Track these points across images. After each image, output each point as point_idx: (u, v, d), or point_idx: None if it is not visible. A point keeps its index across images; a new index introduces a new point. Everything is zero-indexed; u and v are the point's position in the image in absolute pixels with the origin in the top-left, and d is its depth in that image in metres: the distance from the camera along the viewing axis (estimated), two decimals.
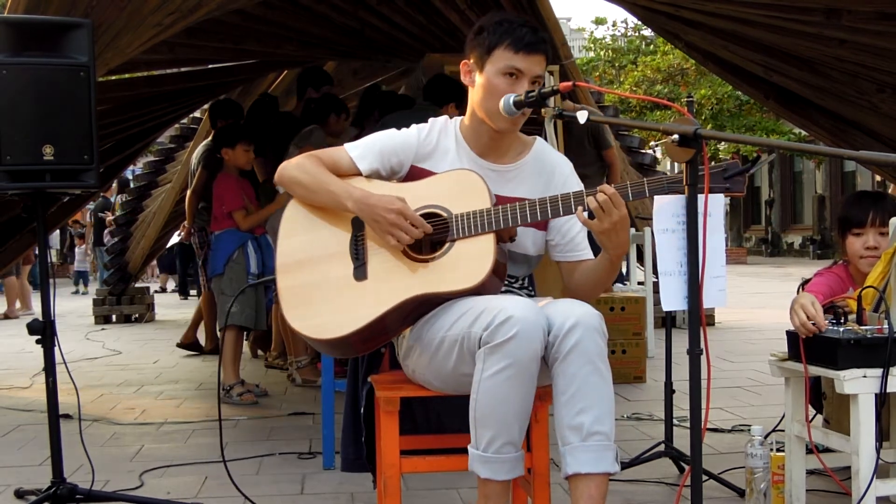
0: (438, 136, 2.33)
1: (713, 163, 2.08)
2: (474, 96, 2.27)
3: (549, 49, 2.24)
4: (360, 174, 2.29)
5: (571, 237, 2.32)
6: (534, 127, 5.47)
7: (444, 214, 2.19)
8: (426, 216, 2.19)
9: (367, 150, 2.31)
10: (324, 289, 2.20)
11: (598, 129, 5.86)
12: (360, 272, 2.19)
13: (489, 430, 2.01)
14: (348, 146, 2.33)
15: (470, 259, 2.13)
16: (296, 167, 2.29)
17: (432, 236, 2.17)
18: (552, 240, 2.34)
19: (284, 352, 5.80)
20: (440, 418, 2.47)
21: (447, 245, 2.17)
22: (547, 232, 2.34)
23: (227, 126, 5.47)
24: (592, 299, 2.30)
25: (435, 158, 2.31)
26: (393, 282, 2.15)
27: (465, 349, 2.06)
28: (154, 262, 12.89)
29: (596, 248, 2.26)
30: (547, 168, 2.35)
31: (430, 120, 2.37)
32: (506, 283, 2.29)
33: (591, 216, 2.08)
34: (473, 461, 2.05)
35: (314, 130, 5.29)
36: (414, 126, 2.35)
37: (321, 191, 2.25)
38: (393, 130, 2.36)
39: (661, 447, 3.34)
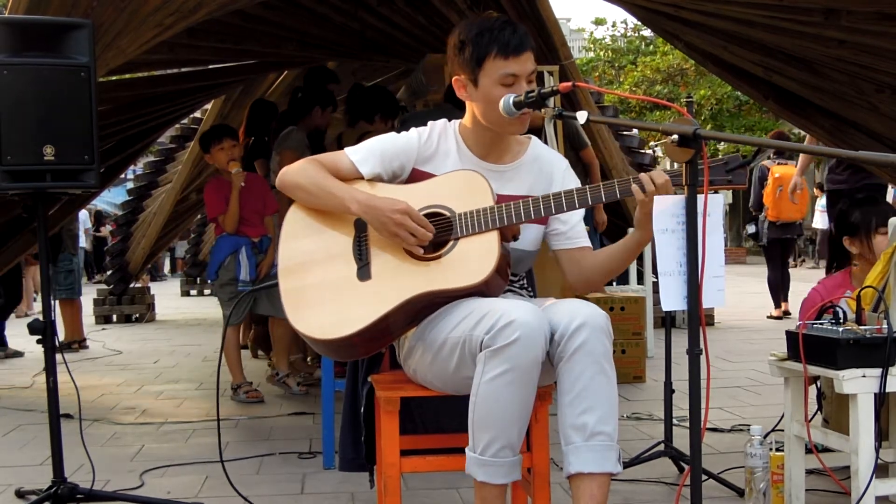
0: (438, 139, 2.34)
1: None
2: (476, 109, 2.28)
3: (532, 41, 2.23)
4: (361, 178, 2.29)
5: (573, 224, 2.34)
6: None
7: (448, 214, 2.19)
8: (429, 216, 2.19)
9: (368, 153, 2.30)
10: (327, 290, 2.20)
11: (572, 131, 5.78)
12: (364, 273, 2.19)
13: (487, 433, 2.02)
14: (349, 150, 2.32)
15: (474, 256, 2.13)
16: (297, 172, 2.28)
17: (437, 235, 2.17)
18: (555, 230, 2.34)
19: None
20: (440, 418, 2.47)
21: (451, 243, 2.17)
22: (547, 224, 2.35)
23: (204, 133, 5.41)
24: (601, 286, 2.32)
25: (436, 161, 2.32)
26: (397, 281, 2.15)
27: (466, 352, 2.06)
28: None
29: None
30: (546, 166, 2.38)
31: (430, 123, 2.37)
32: None
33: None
34: (471, 464, 2.06)
35: (292, 133, 5.25)
36: (414, 130, 2.36)
37: (323, 194, 2.24)
38: (393, 134, 2.36)
39: (661, 447, 3.35)
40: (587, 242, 2.36)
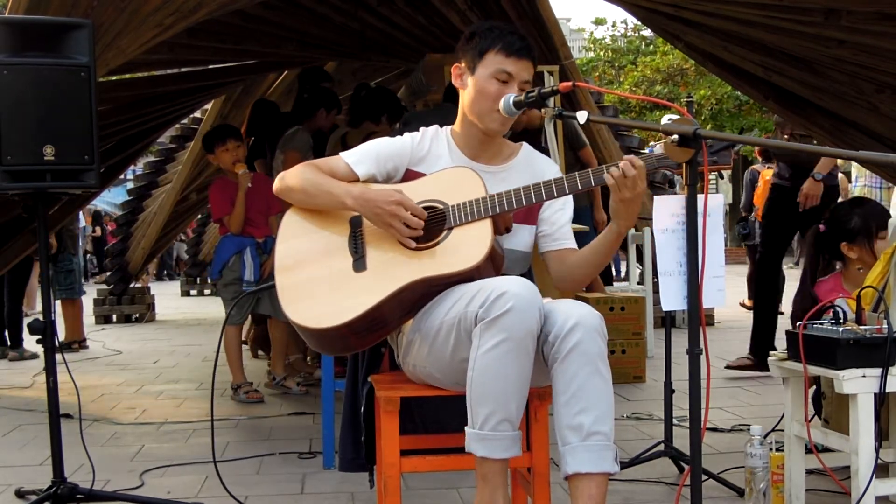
0: (430, 142, 2.40)
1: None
2: (465, 99, 2.34)
3: (536, 57, 2.33)
4: (357, 179, 2.33)
5: (559, 226, 2.38)
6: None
7: (441, 207, 2.23)
8: (424, 209, 2.22)
9: (363, 155, 2.36)
10: (323, 282, 2.22)
11: (571, 130, 5.79)
12: (360, 264, 2.22)
13: (486, 406, 2.02)
14: (344, 154, 2.38)
15: (467, 242, 2.17)
16: (294, 175, 2.33)
17: (431, 227, 2.20)
18: (542, 231, 2.38)
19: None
20: (440, 418, 2.47)
21: (445, 233, 2.21)
22: (537, 224, 2.38)
23: (208, 134, 5.39)
24: (587, 282, 2.35)
25: (429, 163, 2.37)
26: (392, 270, 2.18)
27: (462, 331, 2.07)
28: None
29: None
30: (537, 169, 2.41)
31: (421, 129, 2.42)
32: None
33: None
34: (470, 440, 2.05)
35: (298, 133, 5.27)
36: (406, 134, 2.41)
37: (320, 193, 2.29)
38: (387, 138, 2.42)
39: (661, 447, 3.35)
40: (573, 245, 2.39)
